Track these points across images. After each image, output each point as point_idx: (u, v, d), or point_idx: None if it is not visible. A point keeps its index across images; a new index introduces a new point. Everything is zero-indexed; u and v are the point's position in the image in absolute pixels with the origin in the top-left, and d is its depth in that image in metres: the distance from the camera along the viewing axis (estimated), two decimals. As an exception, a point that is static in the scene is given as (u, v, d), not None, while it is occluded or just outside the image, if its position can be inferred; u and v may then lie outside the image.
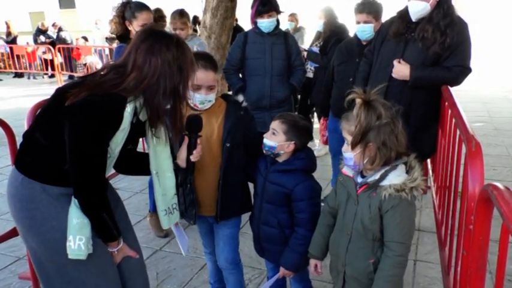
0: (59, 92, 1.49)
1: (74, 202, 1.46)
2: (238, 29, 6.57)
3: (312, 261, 1.81)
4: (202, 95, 1.84)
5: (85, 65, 10.64)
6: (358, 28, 3.00)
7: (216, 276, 2.25)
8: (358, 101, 1.50)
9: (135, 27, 2.81)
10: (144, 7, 2.85)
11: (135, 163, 1.74)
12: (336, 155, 3.46)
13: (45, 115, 1.52)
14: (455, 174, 1.98)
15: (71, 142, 1.40)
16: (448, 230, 2.05)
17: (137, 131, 1.57)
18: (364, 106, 1.47)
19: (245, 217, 2.13)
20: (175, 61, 1.46)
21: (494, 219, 1.16)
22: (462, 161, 1.71)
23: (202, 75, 1.80)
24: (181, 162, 1.78)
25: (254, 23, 3.19)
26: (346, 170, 1.63)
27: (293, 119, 1.86)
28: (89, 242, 1.46)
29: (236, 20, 7.54)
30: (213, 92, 1.88)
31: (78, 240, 1.44)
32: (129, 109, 1.45)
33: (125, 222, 1.72)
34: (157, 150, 1.67)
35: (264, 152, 1.86)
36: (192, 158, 1.76)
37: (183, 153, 1.77)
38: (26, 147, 1.53)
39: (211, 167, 1.91)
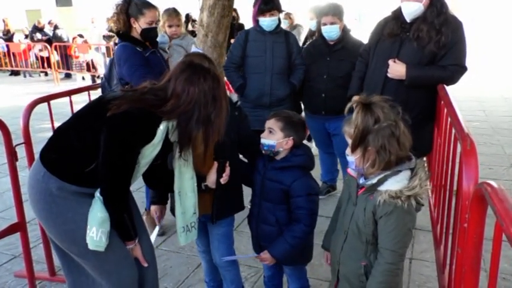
0: (100, 101, 1.62)
1: (99, 198, 1.57)
2: (240, 27, 6.56)
3: (324, 253, 1.86)
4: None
5: (87, 62, 10.60)
6: (325, 29, 3.13)
7: (211, 274, 2.26)
8: (356, 103, 1.49)
9: (141, 24, 2.77)
10: (151, 5, 2.83)
11: (161, 178, 1.84)
12: (324, 152, 3.56)
13: (84, 119, 1.64)
14: (451, 173, 1.99)
15: (106, 147, 1.52)
16: (444, 228, 2.06)
17: (166, 149, 1.66)
18: (362, 109, 1.46)
19: (241, 216, 2.14)
20: (211, 91, 1.58)
21: (489, 217, 1.16)
22: (458, 160, 1.72)
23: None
24: (212, 184, 1.86)
25: (256, 21, 3.19)
26: (351, 170, 1.62)
27: (288, 115, 1.87)
28: (108, 235, 1.58)
29: (238, 19, 7.53)
30: None
31: (100, 232, 1.55)
32: (161, 127, 1.56)
33: (139, 224, 1.80)
34: (182, 170, 1.76)
35: (264, 152, 1.87)
36: (222, 181, 1.84)
37: (212, 176, 1.85)
38: (55, 144, 1.64)
39: (206, 167, 1.92)
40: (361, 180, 1.56)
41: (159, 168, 1.77)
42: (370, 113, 1.45)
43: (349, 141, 1.52)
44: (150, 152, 1.58)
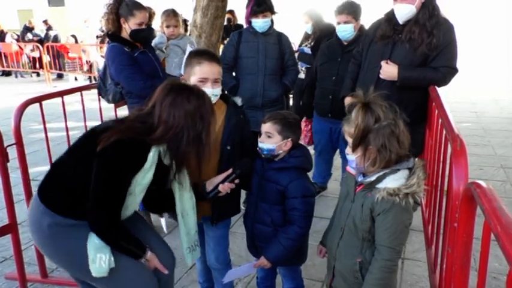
0: (92, 133, 1.62)
1: None
2: (238, 29, 6.54)
3: (319, 247, 1.88)
4: (209, 89, 1.85)
5: (88, 62, 10.53)
6: (339, 28, 3.08)
7: (205, 276, 2.25)
8: (356, 103, 1.50)
9: (131, 25, 2.78)
10: (142, 6, 2.85)
11: (162, 203, 1.84)
12: (321, 154, 3.52)
13: (77, 154, 1.65)
14: (442, 174, 2.01)
15: (96, 179, 1.53)
16: (435, 228, 2.07)
17: (161, 173, 1.65)
18: (362, 108, 1.47)
19: (235, 217, 2.13)
20: (198, 111, 1.58)
21: (479, 217, 1.18)
22: (448, 161, 1.73)
23: (207, 68, 1.85)
24: (209, 185, 1.84)
25: (249, 22, 3.20)
26: (350, 168, 1.63)
27: (283, 117, 1.87)
28: (110, 258, 1.59)
29: (235, 20, 7.50)
30: (218, 85, 1.90)
31: (98, 259, 1.57)
32: (152, 153, 1.56)
33: (146, 234, 1.80)
34: (181, 192, 1.75)
35: (263, 156, 1.87)
36: (220, 188, 1.81)
37: (218, 178, 1.84)
38: (52, 180, 1.66)
39: (209, 169, 1.91)
40: (360, 178, 1.57)
41: (157, 193, 1.76)
42: (370, 112, 1.46)
43: (350, 140, 1.53)
44: (142, 178, 1.58)
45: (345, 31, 3.05)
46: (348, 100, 2.53)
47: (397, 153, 1.47)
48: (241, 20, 7.28)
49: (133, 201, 1.63)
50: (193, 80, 1.85)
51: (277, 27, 3.38)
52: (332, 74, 3.13)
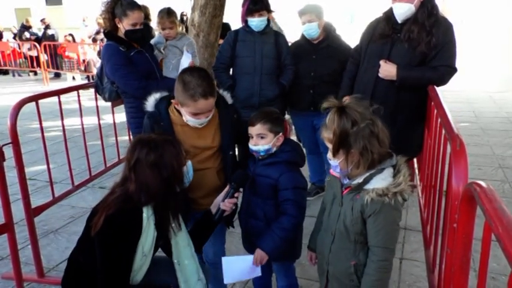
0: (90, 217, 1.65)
1: None
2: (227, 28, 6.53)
3: (308, 253, 1.87)
4: (202, 119, 1.85)
5: (84, 61, 10.48)
6: (304, 28, 3.18)
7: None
8: (331, 108, 1.50)
9: (125, 25, 2.76)
10: (136, 6, 2.80)
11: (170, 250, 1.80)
12: (311, 151, 3.54)
13: (84, 243, 1.69)
14: (441, 174, 2.00)
15: (99, 254, 1.56)
16: (433, 228, 2.07)
17: (162, 225, 1.67)
18: (337, 113, 1.47)
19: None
20: (159, 161, 1.59)
21: (479, 218, 1.17)
22: (447, 161, 1.72)
23: (202, 105, 1.80)
24: (213, 207, 1.86)
25: (245, 21, 3.19)
26: (334, 171, 1.63)
27: (268, 114, 1.87)
28: None
29: None
30: (211, 112, 1.88)
31: None
32: (145, 214, 1.58)
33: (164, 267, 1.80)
34: (177, 239, 1.74)
35: (260, 157, 1.88)
36: (222, 206, 1.82)
37: (218, 199, 1.86)
38: (71, 272, 1.73)
39: (210, 172, 1.95)
40: (346, 181, 1.56)
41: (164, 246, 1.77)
42: (345, 115, 1.46)
43: (330, 145, 1.52)
44: (145, 238, 1.60)
45: (311, 29, 3.15)
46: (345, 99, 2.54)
47: (379, 153, 1.47)
48: (232, 19, 7.23)
49: (146, 261, 1.65)
50: (186, 111, 1.82)
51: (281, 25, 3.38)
52: (310, 70, 3.22)
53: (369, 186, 1.47)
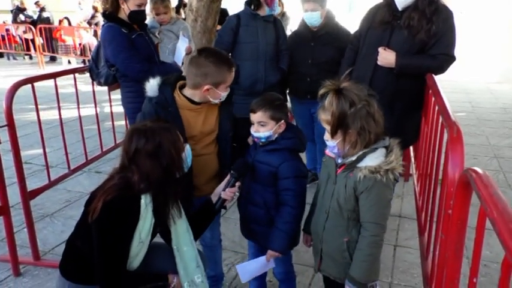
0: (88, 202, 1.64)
1: None
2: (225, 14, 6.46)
3: (304, 236, 1.90)
4: (225, 92, 1.89)
5: (80, 44, 10.36)
6: (306, 16, 3.15)
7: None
8: (328, 91, 1.52)
9: (130, 5, 2.70)
10: None
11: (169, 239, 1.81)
12: (308, 140, 3.53)
13: (82, 228, 1.67)
14: (437, 162, 2.01)
15: (96, 240, 1.56)
16: (428, 216, 2.08)
17: (160, 213, 1.66)
18: (335, 95, 1.50)
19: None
20: (158, 149, 1.58)
21: (473, 206, 1.18)
22: (444, 149, 1.73)
23: (233, 75, 1.89)
24: (214, 196, 1.87)
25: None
26: (329, 151, 1.65)
27: (269, 101, 1.84)
28: None
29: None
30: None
31: None
32: (143, 201, 1.57)
33: (163, 252, 1.80)
34: (177, 224, 1.73)
35: (261, 143, 1.86)
36: (222, 195, 1.83)
37: (219, 188, 1.86)
38: (69, 255, 1.73)
39: (211, 157, 1.96)
40: (340, 160, 1.60)
41: (164, 233, 1.78)
42: (343, 97, 1.49)
43: (327, 127, 1.55)
44: (142, 225, 1.59)
45: (312, 18, 3.11)
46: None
47: (375, 133, 1.52)
48: (235, 4, 7.13)
49: (143, 247, 1.64)
50: (222, 88, 1.85)
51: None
52: (307, 57, 3.20)
53: (362, 164, 1.52)
